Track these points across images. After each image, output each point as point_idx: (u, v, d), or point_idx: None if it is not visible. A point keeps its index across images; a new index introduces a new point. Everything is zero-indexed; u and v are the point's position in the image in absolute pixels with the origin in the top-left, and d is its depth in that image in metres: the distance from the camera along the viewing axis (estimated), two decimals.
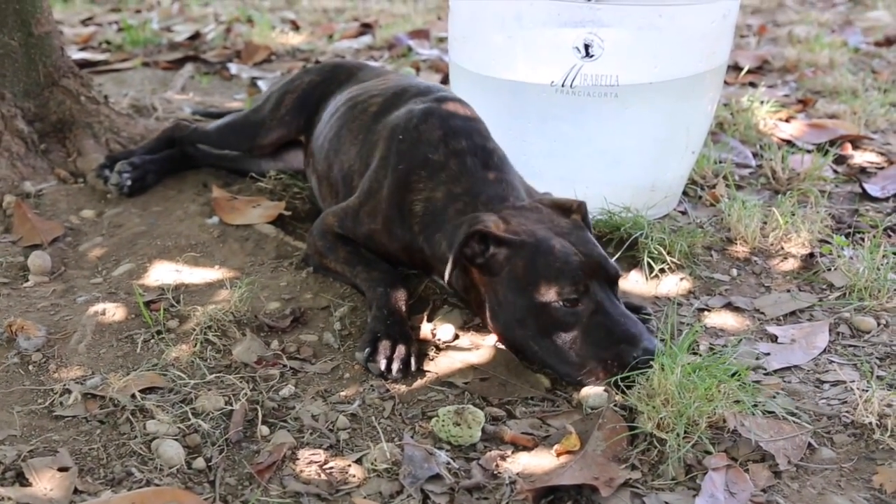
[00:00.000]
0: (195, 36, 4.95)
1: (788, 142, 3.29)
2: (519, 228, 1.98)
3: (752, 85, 3.99)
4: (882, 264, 2.32)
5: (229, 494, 1.66)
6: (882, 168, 3.09)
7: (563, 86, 2.40)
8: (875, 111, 3.51)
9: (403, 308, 2.12)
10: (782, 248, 2.48)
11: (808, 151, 3.17)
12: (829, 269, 2.38)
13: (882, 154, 3.20)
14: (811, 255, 2.44)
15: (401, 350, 1.98)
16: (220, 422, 1.83)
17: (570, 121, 2.43)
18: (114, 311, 2.19)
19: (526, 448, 1.77)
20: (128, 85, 4.06)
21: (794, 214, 2.57)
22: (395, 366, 1.96)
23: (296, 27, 5.31)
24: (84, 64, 4.17)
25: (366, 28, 5.24)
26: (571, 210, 2.09)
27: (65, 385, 1.92)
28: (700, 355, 2.02)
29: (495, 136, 2.24)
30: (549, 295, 1.91)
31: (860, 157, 3.17)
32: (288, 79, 2.95)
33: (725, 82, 3.77)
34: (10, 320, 2.10)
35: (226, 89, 4.09)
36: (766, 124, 3.38)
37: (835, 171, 3.07)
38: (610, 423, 1.79)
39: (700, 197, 2.83)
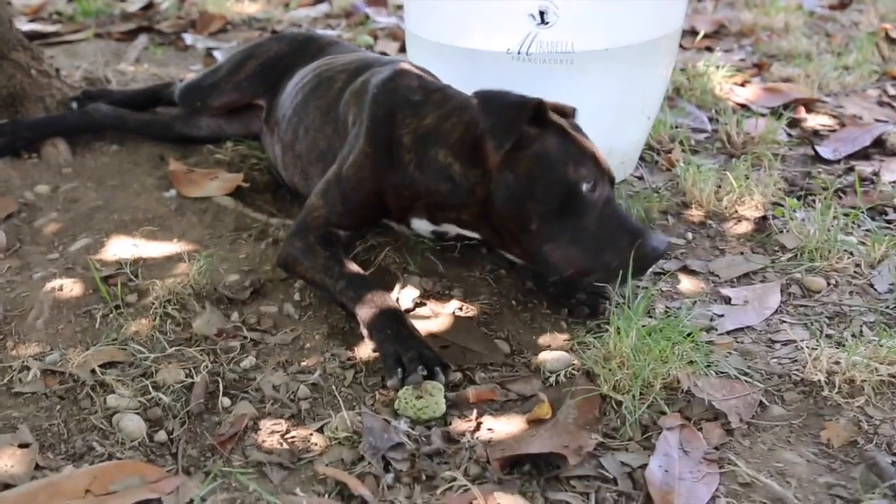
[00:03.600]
0: (148, 6, 4.88)
1: (744, 106, 3.32)
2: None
3: (709, 49, 4.01)
4: (832, 226, 2.36)
5: (192, 466, 1.67)
6: (834, 130, 3.13)
7: (518, 53, 2.41)
8: (828, 74, 3.55)
9: (401, 312, 2.01)
10: (736, 212, 2.52)
11: (763, 115, 3.21)
12: (782, 232, 2.42)
13: (835, 117, 3.25)
14: (764, 217, 2.47)
15: (427, 354, 1.88)
16: (181, 394, 1.84)
17: (526, 88, 2.41)
18: (71, 287, 2.18)
19: (492, 402, 1.81)
20: (80, 57, 4.00)
21: (748, 178, 2.60)
22: (437, 371, 1.84)
23: None
24: (34, 36, 4.10)
25: None
26: (567, 114, 2.14)
27: (23, 362, 1.91)
28: (656, 318, 2.06)
29: None
30: (578, 175, 1.94)
31: (813, 120, 3.21)
32: (255, 43, 2.93)
33: (682, 46, 3.79)
34: None
35: (181, 60, 4.04)
36: (722, 89, 3.41)
37: (788, 135, 3.11)
38: (582, 391, 1.81)
39: (656, 162, 2.86)
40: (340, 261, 2.12)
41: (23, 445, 1.69)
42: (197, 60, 4.02)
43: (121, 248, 2.36)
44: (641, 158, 2.84)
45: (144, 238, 2.41)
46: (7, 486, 1.59)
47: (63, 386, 1.85)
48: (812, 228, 2.35)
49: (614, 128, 2.60)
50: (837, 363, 1.86)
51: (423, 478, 1.63)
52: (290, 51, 2.81)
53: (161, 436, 1.74)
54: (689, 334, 1.88)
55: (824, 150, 2.94)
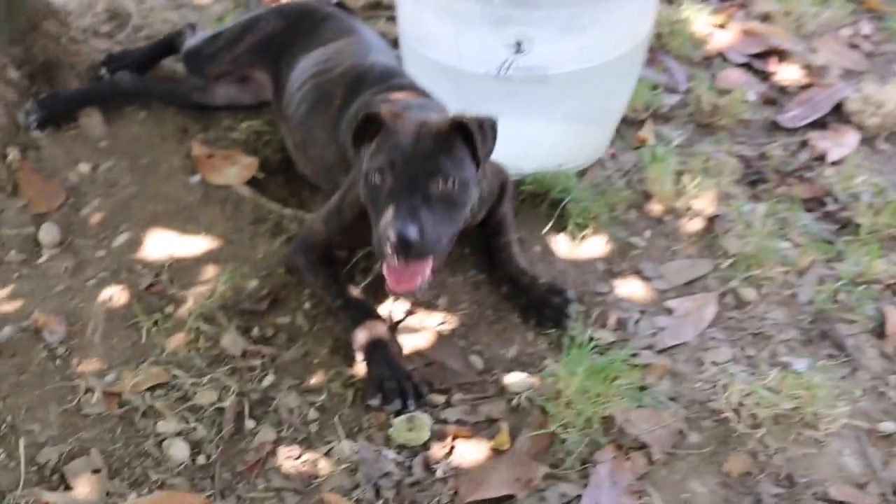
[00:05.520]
0: None
1: (721, 54, 3.54)
2: None
3: None
4: (772, 231, 2.69)
5: (226, 489, 2.15)
6: (802, 87, 3.38)
7: (497, 74, 2.68)
8: (807, 11, 3.72)
9: (388, 338, 2.41)
10: (691, 208, 2.82)
11: (738, 65, 3.45)
12: (728, 232, 2.75)
13: (806, 68, 3.47)
14: (713, 217, 2.78)
15: (405, 385, 2.31)
16: (215, 418, 2.29)
17: (506, 103, 2.71)
18: (119, 296, 2.58)
19: (465, 437, 2.24)
20: None
21: (707, 162, 2.91)
22: (411, 403, 2.29)
23: None
24: None
25: None
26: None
27: (87, 382, 2.35)
28: (609, 330, 2.47)
29: None
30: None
31: (783, 73, 3.44)
32: (254, 16, 3.16)
33: None
34: (35, 316, 2.51)
35: None
36: (702, 33, 3.60)
37: (756, 94, 3.35)
38: (535, 424, 2.24)
39: (627, 138, 3.13)
40: (339, 282, 2.52)
41: (95, 471, 2.16)
42: None
43: (157, 245, 2.74)
44: (616, 131, 3.12)
45: (176, 231, 2.79)
46: None
47: (121, 409, 2.31)
48: (752, 237, 2.67)
49: (589, 127, 2.90)
50: (748, 395, 2.26)
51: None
52: (285, 27, 3.05)
53: (201, 459, 2.21)
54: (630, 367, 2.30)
55: (784, 118, 3.21)
